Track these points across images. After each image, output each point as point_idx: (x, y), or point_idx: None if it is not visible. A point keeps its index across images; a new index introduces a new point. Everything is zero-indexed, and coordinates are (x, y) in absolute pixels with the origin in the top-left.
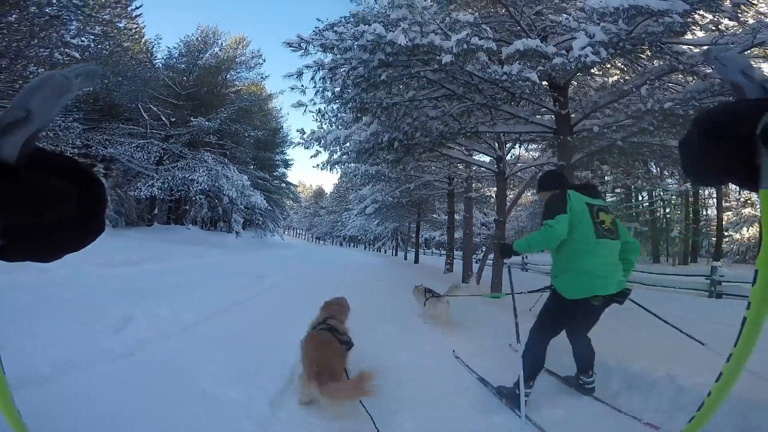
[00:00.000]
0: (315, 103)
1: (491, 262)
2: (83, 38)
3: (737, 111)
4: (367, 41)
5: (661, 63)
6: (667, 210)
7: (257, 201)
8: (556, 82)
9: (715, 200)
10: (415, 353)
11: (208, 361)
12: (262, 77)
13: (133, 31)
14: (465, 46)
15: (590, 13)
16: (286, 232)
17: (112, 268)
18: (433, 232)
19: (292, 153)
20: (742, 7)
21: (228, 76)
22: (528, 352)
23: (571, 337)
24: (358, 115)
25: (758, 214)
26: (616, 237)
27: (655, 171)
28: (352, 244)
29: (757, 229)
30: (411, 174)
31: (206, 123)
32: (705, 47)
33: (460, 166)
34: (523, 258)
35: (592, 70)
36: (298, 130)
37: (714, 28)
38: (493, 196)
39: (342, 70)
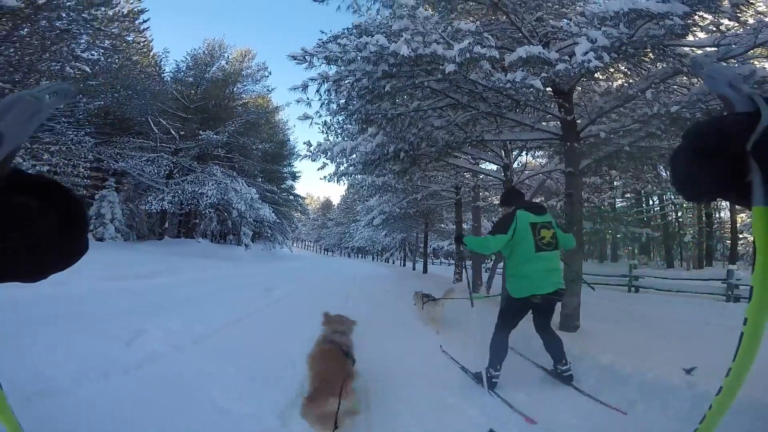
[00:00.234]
0: (321, 116)
1: (501, 270)
2: (93, 52)
3: (726, 126)
4: (371, 52)
5: (665, 66)
6: (679, 214)
7: (266, 214)
8: (561, 88)
9: (727, 202)
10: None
11: (218, 374)
12: (268, 90)
13: (142, 44)
14: (468, 54)
15: (591, 17)
16: (295, 244)
17: (125, 282)
18: (441, 241)
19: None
20: (741, 7)
21: (235, 89)
22: (493, 343)
23: (539, 332)
24: (364, 126)
25: None
26: (554, 248)
27: (664, 175)
28: (360, 255)
29: None
30: (418, 184)
31: (214, 136)
32: (694, 56)
33: (467, 175)
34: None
35: (596, 75)
36: (305, 143)
37: (715, 29)
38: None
39: (346, 81)
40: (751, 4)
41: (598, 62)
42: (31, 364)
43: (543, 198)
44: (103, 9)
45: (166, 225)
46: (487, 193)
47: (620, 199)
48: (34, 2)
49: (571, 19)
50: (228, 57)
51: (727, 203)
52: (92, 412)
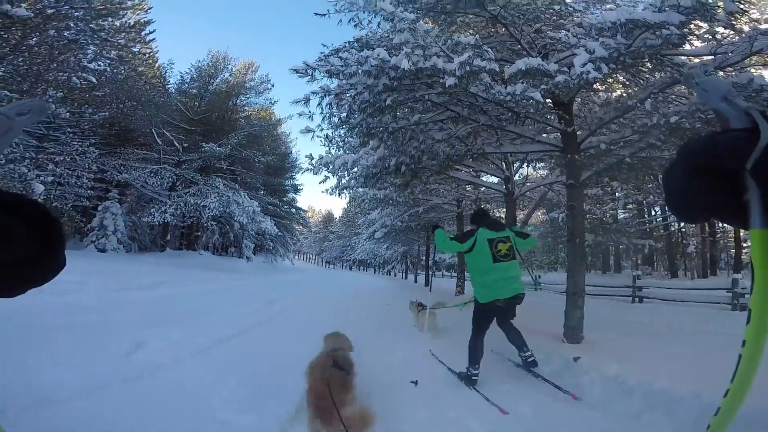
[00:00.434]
0: (322, 129)
1: None
2: (99, 62)
3: (722, 144)
4: (372, 66)
5: (663, 75)
6: (682, 224)
7: (267, 227)
8: (560, 99)
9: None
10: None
11: (219, 385)
12: (270, 102)
13: (147, 55)
14: (468, 68)
15: (589, 28)
16: (297, 257)
17: (126, 293)
18: (443, 254)
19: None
20: (736, 15)
21: (238, 101)
22: (471, 345)
23: (501, 328)
24: (365, 139)
25: None
26: (510, 259)
27: None
28: (362, 267)
29: None
30: (419, 197)
31: (217, 148)
32: (687, 70)
33: (469, 188)
34: (535, 279)
35: (595, 86)
36: (306, 156)
37: (711, 37)
38: (503, 217)
39: (348, 95)
40: (745, 12)
41: (597, 73)
42: (31, 374)
43: (545, 210)
44: (110, 20)
45: (168, 237)
46: (488, 205)
47: (622, 211)
48: (44, 12)
49: (569, 31)
50: (232, 69)
51: None
52: (92, 422)
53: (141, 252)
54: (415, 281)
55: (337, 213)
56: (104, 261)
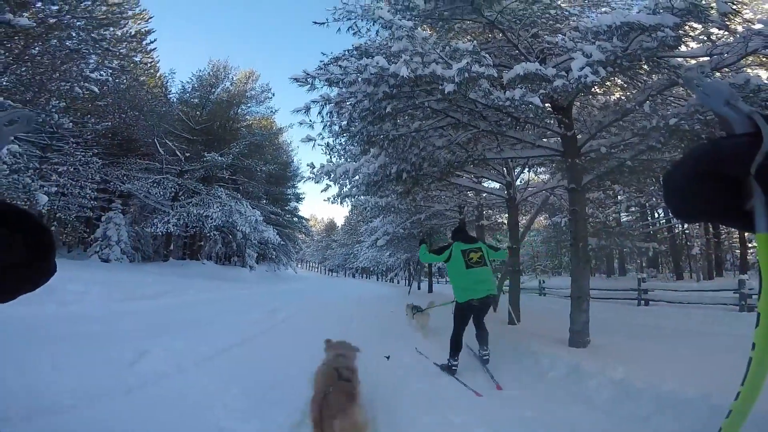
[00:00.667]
0: (323, 137)
1: (507, 288)
2: (101, 72)
3: (726, 150)
4: (371, 74)
5: (661, 77)
6: (686, 226)
7: (270, 236)
8: (559, 103)
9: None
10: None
11: (222, 394)
12: (271, 111)
13: (149, 65)
14: (466, 74)
15: (585, 32)
16: (300, 265)
17: (129, 302)
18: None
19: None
20: (729, 15)
21: (239, 110)
22: (451, 340)
23: (474, 325)
24: (366, 147)
25: None
26: (482, 265)
27: None
28: (364, 275)
29: None
30: (421, 204)
31: (219, 158)
32: (687, 72)
33: (470, 194)
34: (540, 282)
35: (594, 90)
36: (308, 164)
37: (706, 38)
38: (505, 222)
39: (348, 103)
40: (738, 12)
41: (595, 77)
42: (34, 383)
43: (547, 215)
44: (111, 29)
45: (171, 247)
46: (490, 211)
47: (625, 214)
48: (46, 21)
49: (565, 35)
50: (232, 78)
51: None
52: (95, 431)
53: (144, 262)
54: (419, 288)
55: (340, 221)
56: (108, 271)
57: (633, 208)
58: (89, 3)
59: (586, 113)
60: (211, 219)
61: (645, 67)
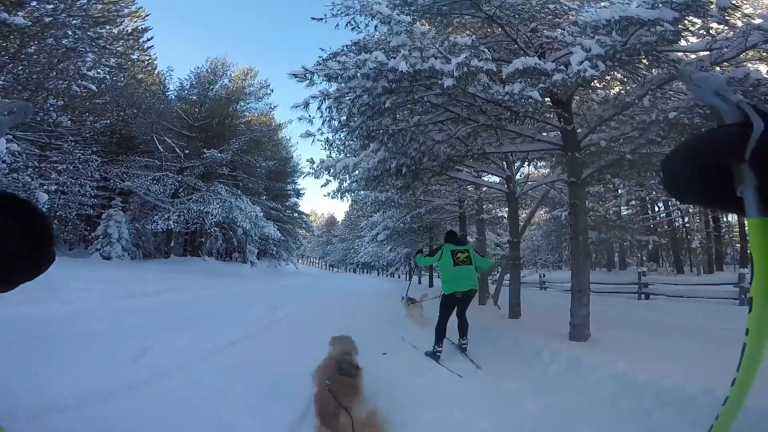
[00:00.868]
0: (323, 133)
1: (508, 282)
2: (99, 70)
3: (719, 140)
4: (370, 69)
5: (660, 72)
6: (686, 219)
7: (270, 232)
8: (559, 98)
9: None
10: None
11: (225, 390)
12: (270, 107)
13: (146, 62)
14: (465, 68)
15: (584, 26)
16: (300, 261)
17: (131, 299)
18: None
19: (303, 182)
20: (729, 10)
21: (238, 107)
22: (437, 328)
23: (457, 316)
24: (365, 142)
25: None
26: (468, 264)
27: None
28: (365, 270)
29: None
30: (421, 199)
31: (219, 154)
32: (681, 66)
33: (470, 189)
34: (540, 276)
35: (593, 84)
36: (307, 160)
37: (705, 33)
38: (505, 216)
39: (347, 98)
40: (738, 7)
41: (594, 71)
42: (38, 382)
43: (547, 208)
44: (108, 27)
45: (172, 244)
46: (491, 205)
47: (625, 207)
48: (41, 20)
49: (564, 29)
50: (231, 75)
51: None
52: (100, 428)
53: (145, 259)
54: (419, 282)
55: (340, 216)
56: (109, 268)
57: (633, 202)
58: (84, 1)
59: (586, 107)
60: (212, 215)
61: (644, 61)
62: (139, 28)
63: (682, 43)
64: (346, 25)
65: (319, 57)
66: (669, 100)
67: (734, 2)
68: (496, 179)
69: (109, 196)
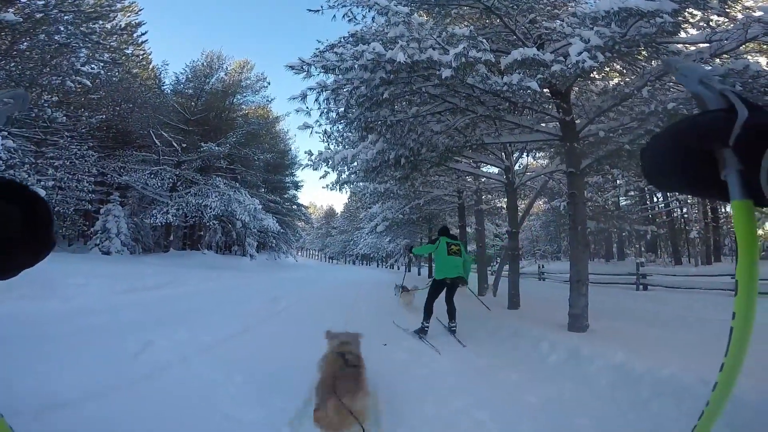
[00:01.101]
0: (320, 124)
1: (507, 273)
2: (93, 66)
3: (702, 125)
4: (367, 60)
5: (659, 63)
6: (684, 210)
7: (269, 224)
8: (557, 88)
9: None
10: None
11: (226, 382)
12: (267, 100)
13: (141, 57)
14: (463, 59)
15: (583, 18)
16: (300, 253)
17: (131, 294)
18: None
19: (301, 174)
20: (729, 2)
21: (234, 100)
22: (425, 306)
23: (445, 301)
24: (364, 134)
25: None
26: (458, 255)
27: None
28: (364, 262)
29: None
30: (420, 190)
31: (216, 148)
32: (689, 55)
33: (469, 179)
34: (539, 267)
35: (592, 75)
36: (306, 152)
37: (705, 25)
38: (504, 207)
39: (345, 90)
40: None
41: (593, 62)
42: (40, 378)
43: (546, 199)
44: (100, 22)
45: (171, 237)
46: (489, 196)
47: (624, 197)
48: (33, 16)
49: (563, 20)
50: (227, 68)
51: None
52: (102, 424)
53: (145, 253)
54: (419, 273)
55: (339, 208)
56: (109, 263)
57: (632, 192)
58: None
59: (585, 98)
60: (210, 208)
61: (643, 52)
62: (133, 22)
63: (682, 34)
64: (343, 16)
65: (316, 49)
66: (668, 91)
67: None
68: (495, 170)
69: (106, 191)
